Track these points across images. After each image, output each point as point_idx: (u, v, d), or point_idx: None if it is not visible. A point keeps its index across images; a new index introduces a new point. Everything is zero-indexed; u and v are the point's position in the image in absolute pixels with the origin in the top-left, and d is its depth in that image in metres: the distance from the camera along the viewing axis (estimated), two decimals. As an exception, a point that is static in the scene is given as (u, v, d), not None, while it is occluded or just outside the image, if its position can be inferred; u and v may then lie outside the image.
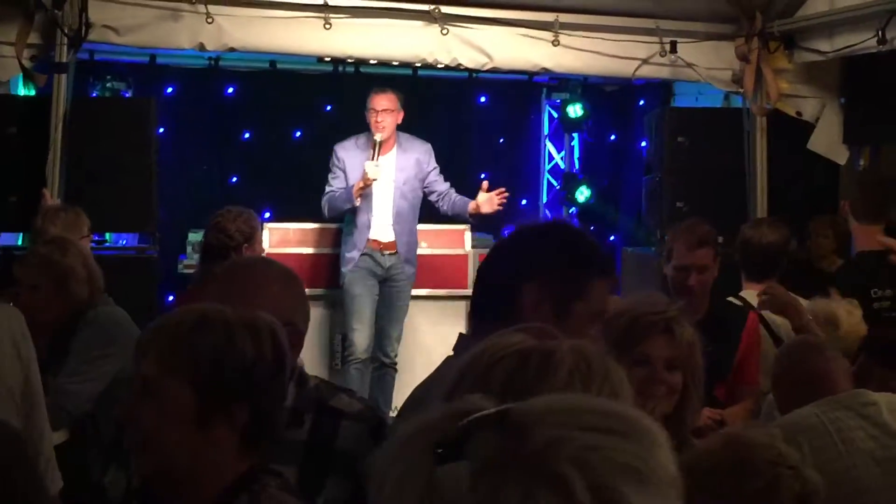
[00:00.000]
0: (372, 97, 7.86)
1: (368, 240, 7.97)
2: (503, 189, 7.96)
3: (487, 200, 7.91)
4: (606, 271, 2.82)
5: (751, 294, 5.83)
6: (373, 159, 7.78)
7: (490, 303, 2.73)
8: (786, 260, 6.07)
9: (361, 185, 7.77)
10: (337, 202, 7.97)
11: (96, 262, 5.09)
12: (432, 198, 8.15)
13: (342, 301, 8.03)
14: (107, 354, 4.77)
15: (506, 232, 7.62)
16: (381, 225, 8.01)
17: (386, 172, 7.91)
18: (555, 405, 1.11)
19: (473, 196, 7.97)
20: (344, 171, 7.94)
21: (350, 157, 7.91)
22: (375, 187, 7.85)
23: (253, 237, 6.12)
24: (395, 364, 8.05)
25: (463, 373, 1.73)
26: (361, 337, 7.93)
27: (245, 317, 2.38)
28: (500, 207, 8.00)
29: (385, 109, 7.80)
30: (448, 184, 8.20)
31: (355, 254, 7.97)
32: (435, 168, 8.18)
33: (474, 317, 2.85)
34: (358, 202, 7.83)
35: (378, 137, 7.79)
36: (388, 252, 8.00)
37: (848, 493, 3.47)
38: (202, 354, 2.30)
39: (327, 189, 8.01)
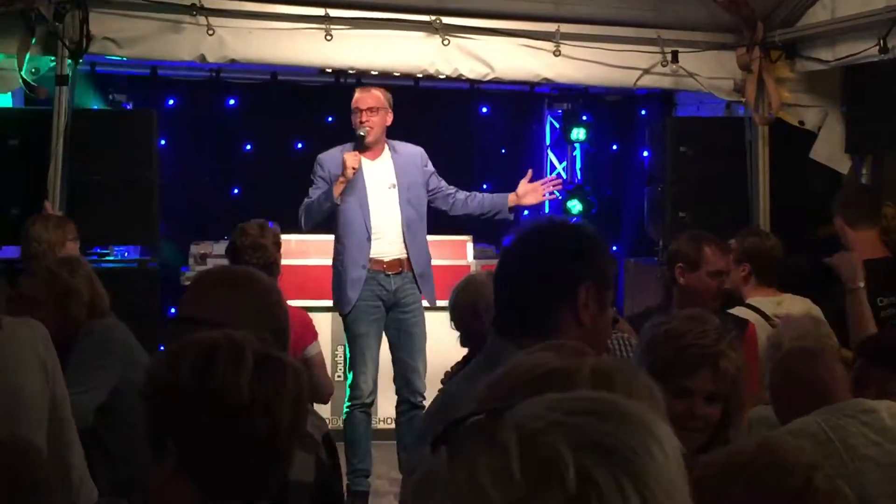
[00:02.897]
0: (355, 96, 7.33)
1: (371, 259, 7.18)
2: (556, 177, 7.72)
3: (532, 191, 7.48)
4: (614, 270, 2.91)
5: (759, 301, 5.83)
6: (355, 152, 7.15)
7: (533, 304, 2.72)
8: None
9: (342, 178, 7.05)
10: (315, 205, 7.21)
11: (99, 280, 5.10)
12: (441, 203, 7.47)
13: (347, 337, 7.35)
14: (104, 366, 4.76)
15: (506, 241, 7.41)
16: (383, 241, 7.24)
17: (384, 179, 7.28)
18: (542, 401, 1.14)
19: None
20: (327, 181, 7.22)
21: (335, 167, 7.19)
22: (374, 197, 7.20)
23: (281, 245, 6.13)
24: (424, 403, 7.09)
25: (488, 392, 1.73)
26: (367, 380, 7.16)
27: (184, 340, 2.26)
28: (553, 196, 7.74)
29: (370, 108, 7.20)
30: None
31: (359, 275, 7.15)
32: (434, 172, 7.50)
33: (504, 318, 2.78)
34: (339, 200, 7.10)
35: (363, 132, 7.17)
36: (393, 273, 7.23)
37: (855, 500, 3.46)
38: (143, 383, 2.26)
39: (305, 200, 7.32)
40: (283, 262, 8.05)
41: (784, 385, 4.04)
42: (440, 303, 7.29)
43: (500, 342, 2.72)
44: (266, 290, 2.89)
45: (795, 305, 5.95)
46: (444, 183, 7.52)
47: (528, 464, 1.04)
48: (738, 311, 5.64)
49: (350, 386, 7.24)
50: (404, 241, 7.25)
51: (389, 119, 7.32)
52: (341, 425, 7.28)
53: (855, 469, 3.54)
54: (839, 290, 5.61)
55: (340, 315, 7.34)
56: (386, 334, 7.31)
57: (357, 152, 7.15)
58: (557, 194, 7.74)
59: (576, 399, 1.14)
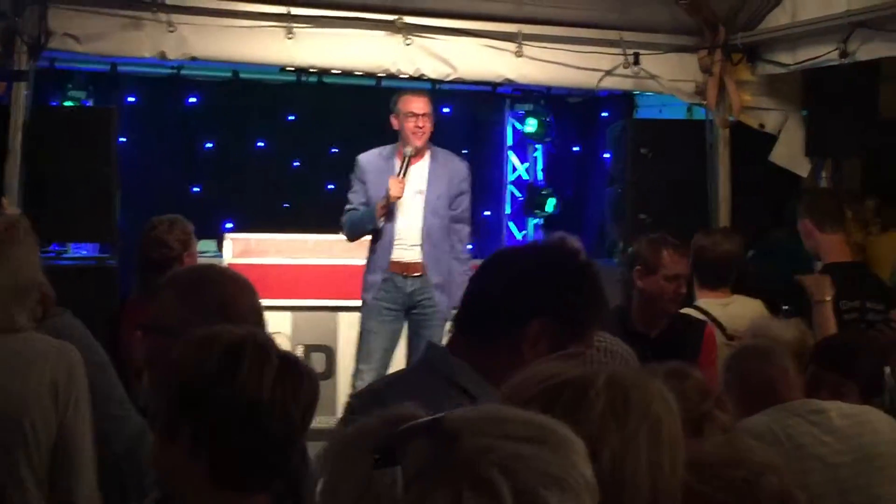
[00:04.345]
0: (407, 99, 7.29)
1: (391, 262, 7.21)
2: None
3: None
4: (603, 322, 2.72)
5: (707, 302, 5.87)
6: (400, 174, 7.11)
7: (484, 324, 2.59)
8: (738, 269, 6.13)
9: (384, 203, 7.07)
10: (358, 223, 7.24)
11: (49, 274, 5.02)
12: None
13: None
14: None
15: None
16: (405, 244, 7.24)
17: (415, 183, 7.25)
18: (483, 415, 1.17)
19: None
20: (365, 185, 7.23)
21: (373, 170, 7.22)
22: (401, 202, 7.16)
23: (190, 244, 6.05)
24: None
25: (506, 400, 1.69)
26: (368, 376, 7.05)
27: (207, 332, 2.31)
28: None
29: (425, 114, 7.24)
30: (469, 229, 7.56)
31: (377, 277, 7.21)
32: (466, 194, 7.43)
33: (459, 331, 2.68)
34: (381, 223, 7.12)
35: (410, 151, 7.14)
36: (412, 275, 7.22)
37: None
38: (165, 371, 2.31)
39: (347, 207, 7.30)
40: (244, 260, 8.09)
41: (735, 384, 4.05)
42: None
43: (442, 350, 2.65)
44: (221, 284, 2.87)
45: (745, 307, 5.98)
46: (463, 211, 7.44)
47: None
48: (686, 311, 5.69)
49: (354, 384, 7.22)
50: (422, 249, 7.23)
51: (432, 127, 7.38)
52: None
53: (801, 468, 3.57)
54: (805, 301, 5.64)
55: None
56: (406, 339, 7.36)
57: (402, 173, 7.10)
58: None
59: (530, 424, 1.17)
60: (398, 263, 7.20)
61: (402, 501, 1.08)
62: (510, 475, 1.09)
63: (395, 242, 7.20)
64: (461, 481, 1.08)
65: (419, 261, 7.22)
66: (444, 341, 2.76)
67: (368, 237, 7.31)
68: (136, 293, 6.14)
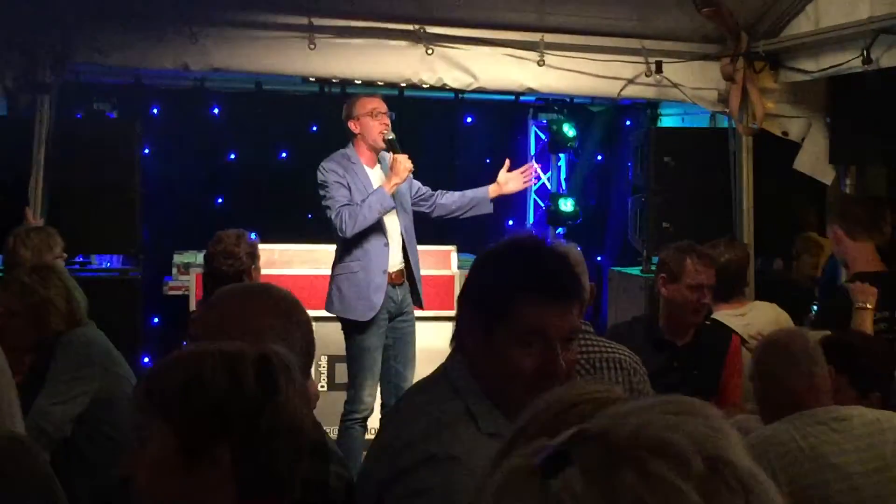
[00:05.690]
0: (366, 100, 7.00)
1: (388, 274, 6.95)
2: (530, 165, 7.68)
3: (513, 178, 7.41)
4: (531, 288, 2.48)
5: (722, 315, 5.84)
6: (398, 154, 6.89)
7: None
8: (747, 277, 6.10)
9: (397, 181, 6.84)
10: (365, 211, 6.78)
11: (80, 288, 5.06)
12: (424, 206, 7.33)
13: (350, 349, 7.02)
14: (82, 376, 4.73)
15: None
16: (393, 248, 7.03)
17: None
18: (619, 411, 1.13)
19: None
20: (347, 186, 6.87)
21: (347, 172, 6.90)
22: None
23: (256, 257, 6.08)
24: None
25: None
26: (371, 393, 6.97)
27: (226, 349, 2.23)
28: (531, 183, 7.56)
29: (387, 112, 7.02)
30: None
31: (381, 279, 6.90)
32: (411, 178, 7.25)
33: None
34: (393, 205, 6.87)
35: (391, 135, 6.91)
36: (398, 284, 7.04)
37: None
38: (170, 390, 2.16)
39: (337, 206, 6.81)
40: (268, 272, 8.03)
41: (765, 390, 4.03)
42: (422, 312, 7.29)
43: (455, 355, 2.64)
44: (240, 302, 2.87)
45: (762, 314, 5.96)
46: (420, 188, 7.35)
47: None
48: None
49: (352, 400, 7.00)
50: (404, 249, 7.11)
51: None
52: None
53: (823, 479, 3.54)
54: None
55: (348, 324, 7.02)
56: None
57: (403, 155, 6.93)
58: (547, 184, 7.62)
59: (667, 401, 1.14)
60: (389, 275, 6.97)
61: (588, 494, 1.04)
62: (685, 436, 1.05)
63: (390, 252, 6.98)
64: (638, 452, 1.04)
65: (401, 267, 7.06)
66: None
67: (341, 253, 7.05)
68: (200, 309, 6.10)
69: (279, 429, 2.18)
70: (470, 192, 7.41)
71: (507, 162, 7.52)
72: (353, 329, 6.98)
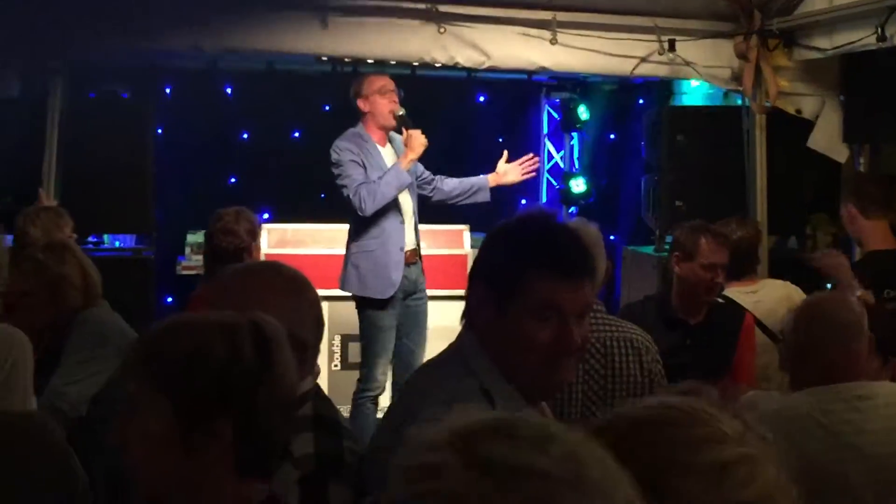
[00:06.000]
0: (374, 78, 7.09)
1: (406, 252, 6.98)
2: (532, 155, 7.68)
3: (512, 169, 7.45)
4: (545, 263, 2.48)
5: (733, 292, 5.83)
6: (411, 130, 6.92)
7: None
8: (759, 254, 6.10)
9: (413, 157, 6.87)
10: (384, 188, 6.77)
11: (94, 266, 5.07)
12: (425, 189, 7.34)
13: (364, 328, 7.02)
14: (98, 356, 4.74)
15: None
16: (408, 230, 7.06)
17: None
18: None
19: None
20: (363, 164, 6.86)
21: (361, 150, 6.92)
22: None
23: (257, 235, 6.08)
24: None
25: None
26: (384, 372, 7.01)
27: (223, 318, 2.19)
28: (531, 175, 7.59)
29: (395, 89, 7.08)
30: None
31: (400, 256, 6.94)
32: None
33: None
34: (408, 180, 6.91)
35: (404, 112, 6.97)
36: (412, 263, 7.08)
37: (833, 487, 3.41)
38: (171, 361, 2.11)
39: (354, 185, 6.80)
40: (281, 251, 8.10)
41: (800, 358, 3.80)
42: (428, 292, 7.30)
43: (466, 332, 2.63)
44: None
45: (773, 291, 5.95)
46: (424, 171, 7.36)
47: None
48: None
49: (365, 378, 7.02)
50: (415, 228, 7.15)
51: None
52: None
53: (837, 456, 3.49)
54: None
55: (364, 302, 7.02)
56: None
57: (417, 130, 6.95)
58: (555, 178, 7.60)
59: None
60: (406, 252, 6.98)
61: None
62: None
63: (406, 230, 7.00)
64: None
65: (414, 246, 7.09)
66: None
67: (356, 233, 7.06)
68: (202, 286, 6.05)
69: (276, 401, 2.16)
70: (470, 180, 7.44)
71: (505, 153, 7.57)
72: (368, 307, 6.98)
